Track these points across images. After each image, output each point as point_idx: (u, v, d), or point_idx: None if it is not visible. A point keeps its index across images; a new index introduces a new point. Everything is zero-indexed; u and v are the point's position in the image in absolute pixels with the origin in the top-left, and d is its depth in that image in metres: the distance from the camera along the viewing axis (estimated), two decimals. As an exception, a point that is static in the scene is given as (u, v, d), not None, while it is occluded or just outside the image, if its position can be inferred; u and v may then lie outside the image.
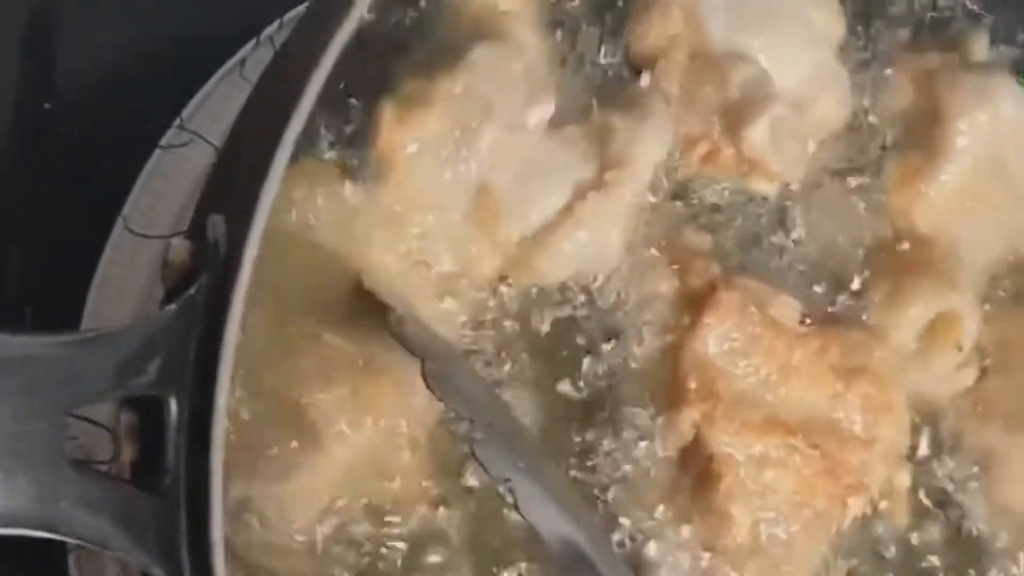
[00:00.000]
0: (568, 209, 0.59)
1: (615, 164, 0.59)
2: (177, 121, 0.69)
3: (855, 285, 0.65)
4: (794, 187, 0.65)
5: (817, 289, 0.65)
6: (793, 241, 0.65)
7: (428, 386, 0.49)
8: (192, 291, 0.45)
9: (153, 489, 0.44)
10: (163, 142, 0.69)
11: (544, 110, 0.58)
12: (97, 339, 0.43)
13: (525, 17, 0.60)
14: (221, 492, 0.43)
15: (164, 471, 0.44)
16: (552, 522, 0.50)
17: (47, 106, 0.74)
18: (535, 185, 0.58)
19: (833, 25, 0.65)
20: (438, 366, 0.49)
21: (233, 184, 0.49)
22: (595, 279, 0.60)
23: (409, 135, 0.55)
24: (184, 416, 0.44)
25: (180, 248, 0.47)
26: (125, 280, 0.68)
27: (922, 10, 0.71)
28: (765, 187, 0.64)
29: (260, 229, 0.44)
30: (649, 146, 0.60)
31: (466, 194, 0.57)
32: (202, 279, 0.45)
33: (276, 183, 0.45)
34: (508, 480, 0.49)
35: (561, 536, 0.50)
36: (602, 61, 0.62)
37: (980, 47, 0.71)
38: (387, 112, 0.55)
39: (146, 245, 0.67)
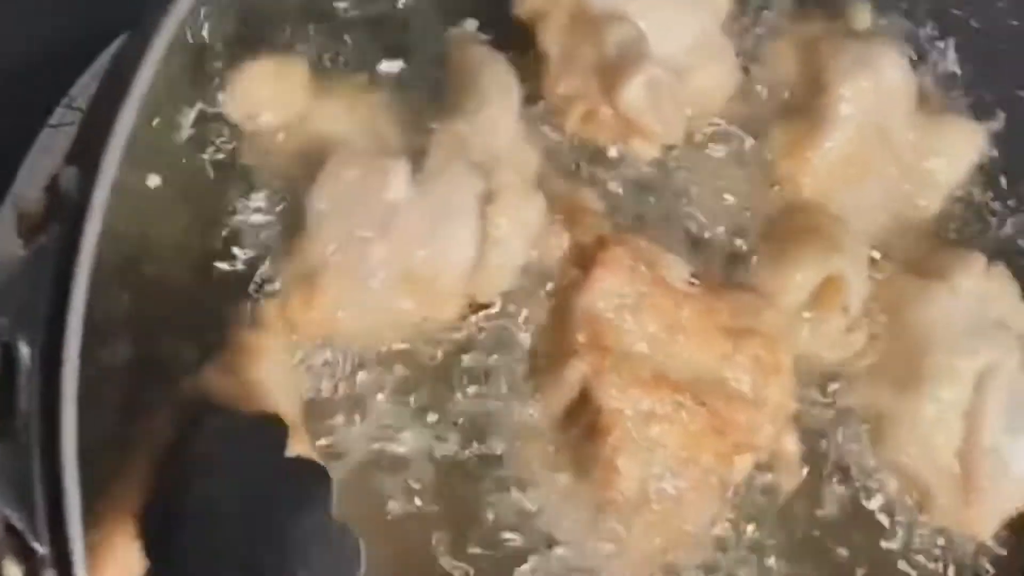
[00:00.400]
0: (484, 233, 0.59)
1: (490, 166, 0.60)
2: (65, 99, 0.69)
3: (743, 247, 0.66)
4: (679, 150, 0.65)
5: (706, 250, 0.66)
6: (683, 202, 0.66)
7: None
8: (43, 239, 0.45)
9: (5, 434, 0.44)
10: (52, 120, 0.69)
11: (397, 178, 0.58)
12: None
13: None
14: (74, 437, 0.43)
15: (15, 415, 0.44)
16: None
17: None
18: (443, 233, 0.59)
19: None
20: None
21: (89, 142, 0.49)
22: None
23: (316, 312, 0.57)
24: (35, 361, 0.44)
25: (34, 199, 0.47)
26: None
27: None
28: (645, 148, 0.64)
29: (109, 176, 0.45)
30: (503, 127, 0.61)
31: (394, 289, 0.58)
32: (52, 228, 0.45)
33: (123, 136, 0.45)
34: None
35: None
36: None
37: (863, 15, 0.72)
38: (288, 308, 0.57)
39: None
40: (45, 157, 0.69)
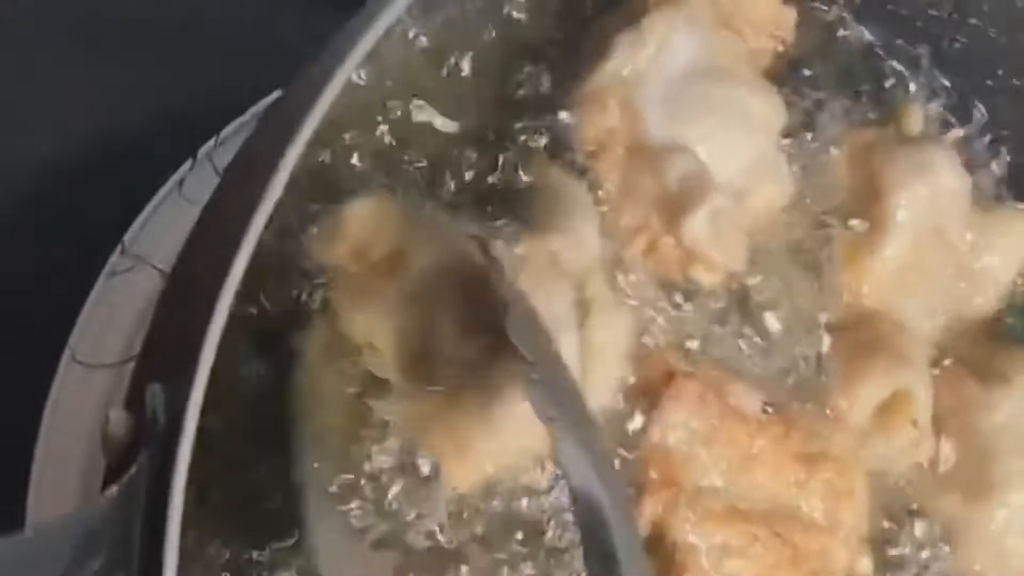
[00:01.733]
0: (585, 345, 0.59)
1: (580, 280, 0.60)
2: (120, 247, 0.68)
3: (812, 363, 0.66)
4: (740, 273, 0.65)
5: (775, 371, 0.65)
6: (749, 325, 0.65)
7: (509, 333, 0.51)
8: (133, 471, 0.45)
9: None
10: (108, 268, 0.69)
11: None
12: (42, 533, 0.43)
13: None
14: None
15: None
16: (581, 475, 0.51)
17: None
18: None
19: (773, 115, 0.66)
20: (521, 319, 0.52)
21: (170, 350, 0.48)
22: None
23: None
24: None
25: (118, 421, 0.46)
26: (77, 410, 0.67)
27: (855, 82, 0.71)
28: (707, 277, 0.64)
29: (198, 402, 0.44)
30: (590, 240, 0.61)
31: None
32: (142, 457, 0.45)
33: (212, 352, 0.44)
34: (552, 419, 0.51)
35: (586, 491, 0.50)
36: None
37: (915, 120, 0.72)
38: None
39: (96, 373, 0.67)
40: (101, 307, 0.68)
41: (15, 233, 0.74)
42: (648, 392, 0.62)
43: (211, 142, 0.70)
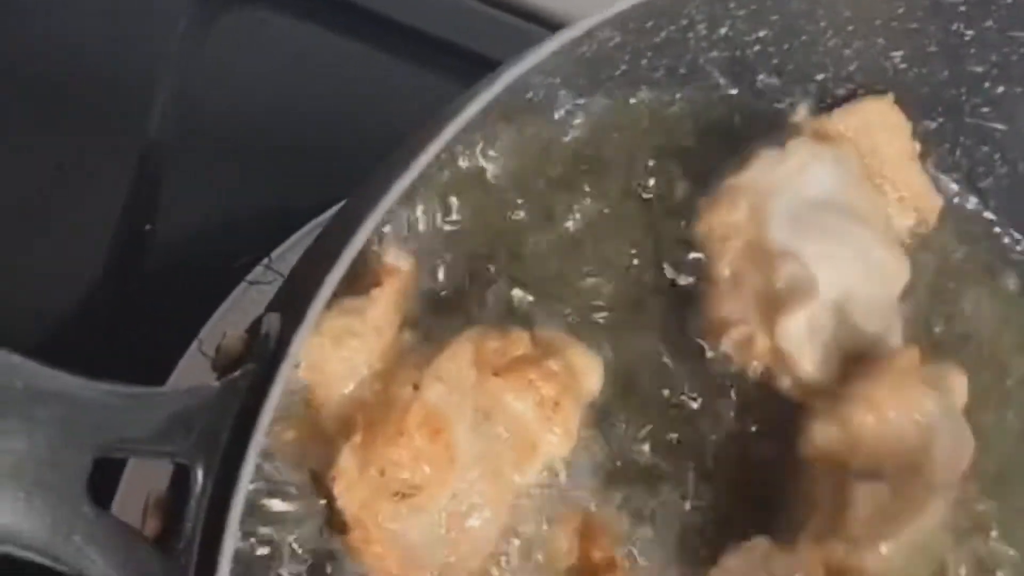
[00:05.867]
0: None
1: None
2: (265, 260, 0.73)
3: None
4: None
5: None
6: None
7: None
8: (237, 374, 0.47)
9: (166, 548, 0.46)
10: (250, 277, 0.73)
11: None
12: (138, 395, 0.46)
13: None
14: (228, 570, 0.45)
15: (180, 535, 0.45)
16: None
17: (148, 227, 0.79)
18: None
19: (895, 271, 0.67)
20: None
21: (294, 294, 0.52)
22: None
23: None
24: (207, 489, 0.46)
25: (235, 336, 0.50)
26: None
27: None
28: (789, 382, 0.65)
29: (308, 329, 0.47)
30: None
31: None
32: (248, 365, 0.48)
33: (328, 295, 0.48)
34: None
35: None
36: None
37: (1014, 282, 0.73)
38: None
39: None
40: (236, 311, 0.72)
41: (177, 236, 0.79)
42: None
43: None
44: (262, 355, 0.48)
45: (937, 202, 0.71)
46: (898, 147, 0.69)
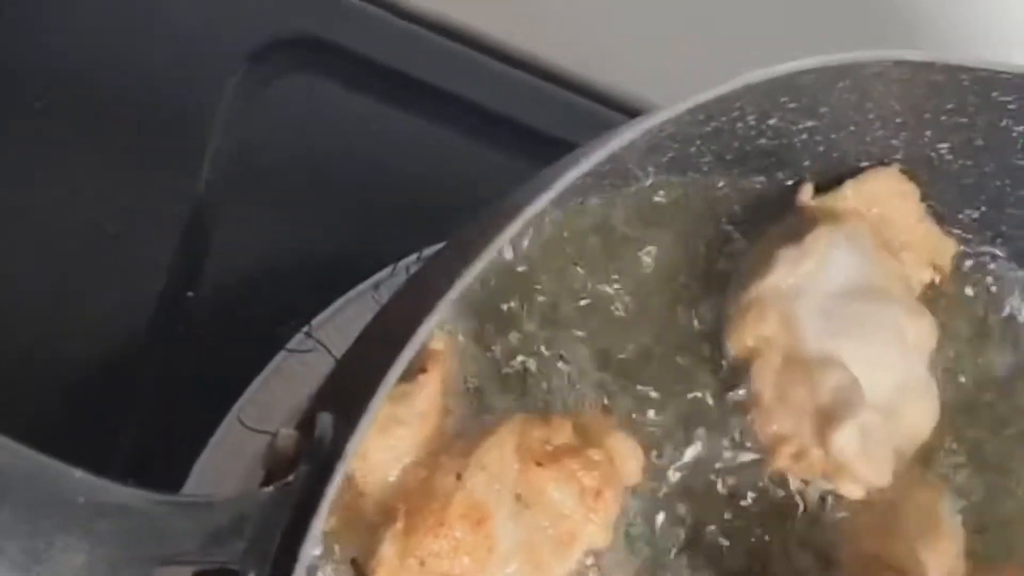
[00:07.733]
0: None
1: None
2: (305, 328, 0.73)
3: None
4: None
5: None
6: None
7: None
8: (290, 479, 0.48)
9: (218, 654, 0.46)
10: (289, 345, 0.73)
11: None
12: (193, 505, 0.46)
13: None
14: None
15: (231, 641, 0.46)
16: None
17: (190, 294, 0.80)
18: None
19: (926, 336, 0.67)
20: None
21: (347, 389, 0.52)
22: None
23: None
24: (259, 595, 0.46)
25: (287, 437, 0.50)
26: (228, 466, 0.71)
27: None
28: (852, 490, 0.65)
29: (363, 434, 0.47)
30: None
31: None
32: (301, 470, 0.48)
33: (384, 396, 0.48)
34: None
35: None
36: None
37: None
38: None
39: (252, 438, 0.71)
40: (275, 379, 0.73)
41: (218, 304, 0.80)
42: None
43: (413, 256, 0.74)
44: (315, 458, 0.48)
45: (951, 248, 0.71)
46: (907, 212, 0.69)
